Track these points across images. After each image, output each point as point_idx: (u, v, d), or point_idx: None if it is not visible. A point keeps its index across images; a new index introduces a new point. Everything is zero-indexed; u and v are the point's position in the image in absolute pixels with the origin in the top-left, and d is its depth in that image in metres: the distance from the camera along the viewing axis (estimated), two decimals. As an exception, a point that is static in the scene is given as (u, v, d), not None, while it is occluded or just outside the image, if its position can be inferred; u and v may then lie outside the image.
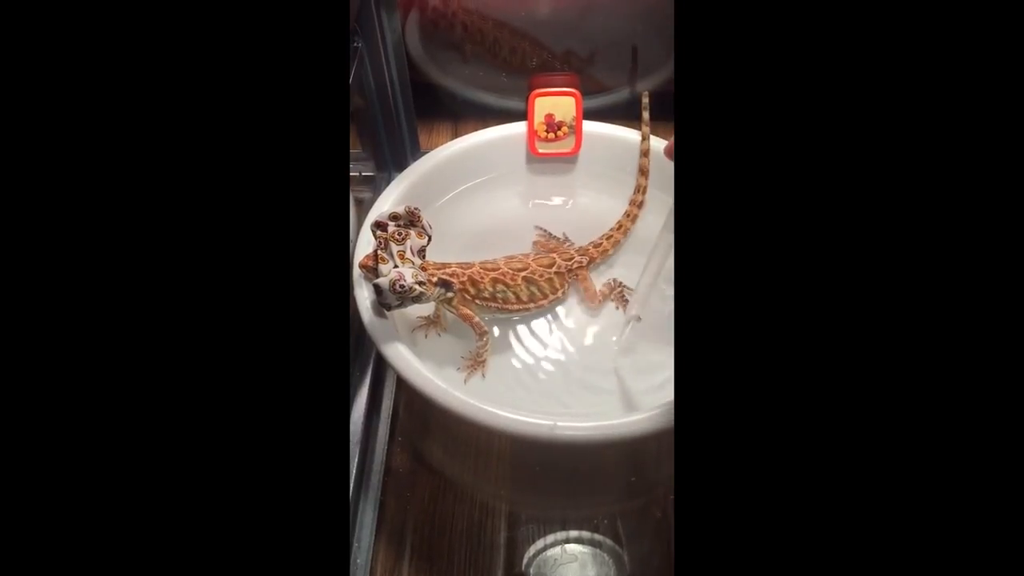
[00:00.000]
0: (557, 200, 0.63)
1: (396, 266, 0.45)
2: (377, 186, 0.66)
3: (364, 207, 0.65)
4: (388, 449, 0.48)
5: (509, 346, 0.51)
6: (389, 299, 0.43)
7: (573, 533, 0.44)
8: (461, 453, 0.48)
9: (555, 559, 0.43)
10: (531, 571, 0.43)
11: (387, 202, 0.56)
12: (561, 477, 0.44)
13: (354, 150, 0.66)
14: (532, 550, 0.44)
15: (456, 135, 0.74)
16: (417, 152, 0.68)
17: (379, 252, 0.46)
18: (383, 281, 0.43)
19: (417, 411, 0.50)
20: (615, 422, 0.40)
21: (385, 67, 0.59)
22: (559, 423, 0.40)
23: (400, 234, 0.46)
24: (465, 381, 0.48)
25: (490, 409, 0.41)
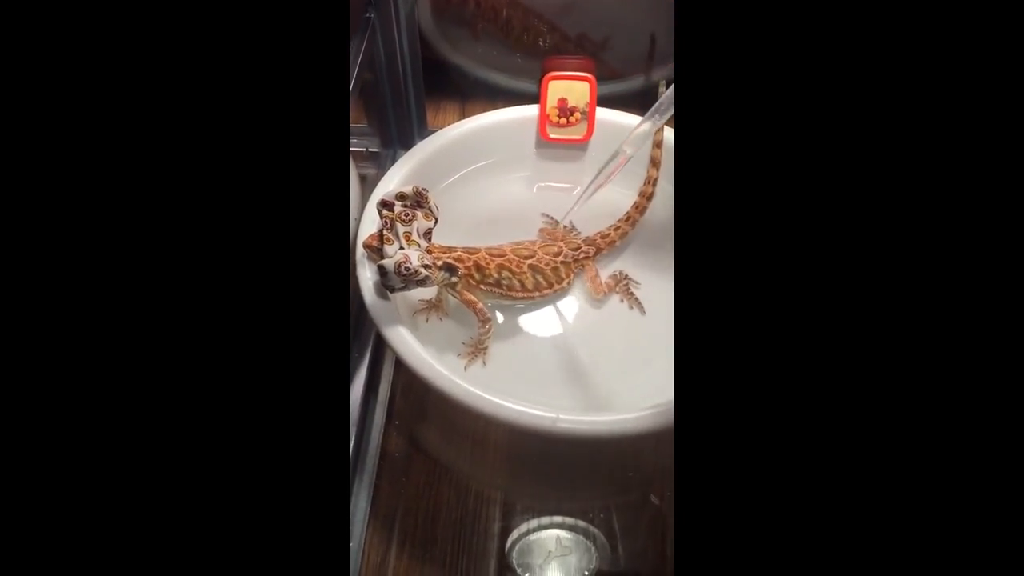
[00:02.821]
0: (565, 187, 0.62)
1: (402, 247, 0.44)
2: (382, 163, 0.65)
3: (368, 183, 0.63)
4: (384, 432, 0.47)
5: (511, 334, 0.50)
6: (393, 281, 0.42)
7: (557, 519, 0.44)
8: (458, 439, 0.47)
9: (549, 551, 0.43)
10: (514, 557, 0.43)
11: (393, 180, 0.54)
12: (558, 468, 0.43)
13: (360, 124, 0.64)
14: (516, 534, 0.44)
15: (463, 114, 0.72)
16: (424, 130, 0.66)
17: (384, 232, 0.45)
18: (388, 263, 0.42)
19: (415, 395, 0.50)
20: (618, 417, 0.40)
21: (397, 40, 0.57)
22: (561, 416, 0.40)
23: (407, 215, 0.45)
24: (465, 368, 0.48)
25: (492, 399, 0.40)
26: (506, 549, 0.43)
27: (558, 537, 0.44)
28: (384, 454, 0.46)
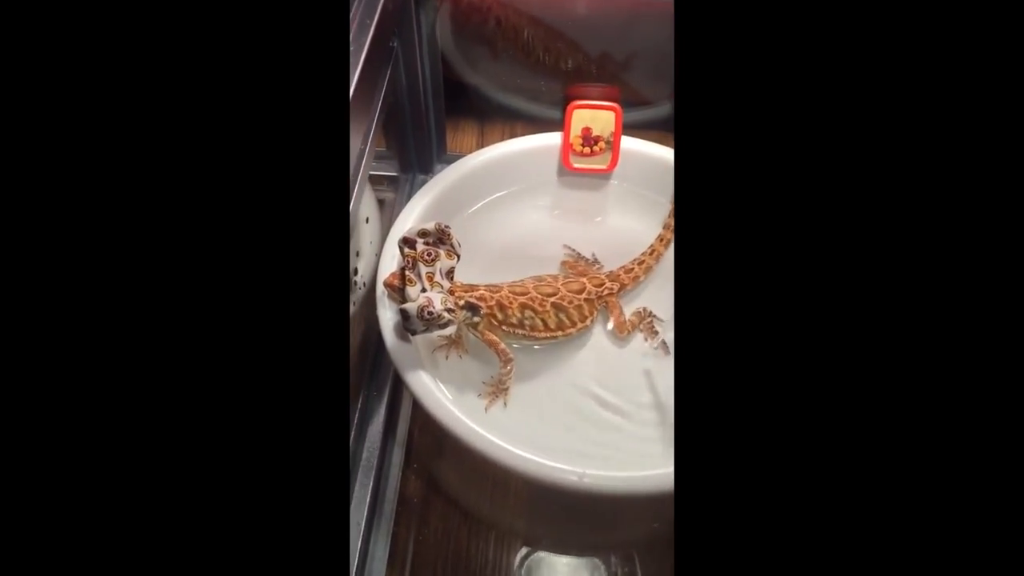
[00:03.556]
0: (588, 218, 0.60)
1: (424, 290, 0.43)
2: (401, 187, 0.63)
3: (387, 208, 0.62)
4: (403, 476, 0.46)
5: (533, 374, 0.49)
6: (415, 325, 0.41)
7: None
8: (477, 482, 0.46)
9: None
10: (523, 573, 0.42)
11: (415, 211, 0.53)
12: (581, 514, 0.42)
13: (380, 148, 0.63)
14: (525, 550, 0.43)
15: (482, 137, 0.71)
16: (443, 153, 0.65)
17: (407, 272, 0.44)
18: (411, 307, 0.41)
19: (433, 436, 0.49)
20: (646, 474, 0.39)
21: (419, 66, 0.56)
22: (588, 472, 0.38)
23: (429, 254, 0.44)
24: (486, 409, 0.46)
25: (515, 451, 0.39)
26: (514, 566, 0.42)
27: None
28: (403, 498, 0.45)
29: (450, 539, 0.44)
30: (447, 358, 0.49)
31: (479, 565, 0.43)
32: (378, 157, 0.63)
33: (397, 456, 0.47)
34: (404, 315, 0.41)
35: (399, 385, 0.49)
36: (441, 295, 0.42)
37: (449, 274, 0.45)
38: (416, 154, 0.63)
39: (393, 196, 0.63)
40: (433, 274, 0.44)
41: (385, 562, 0.42)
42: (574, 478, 0.38)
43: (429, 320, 0.41)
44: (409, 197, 0.57)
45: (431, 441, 0.46)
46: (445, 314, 0.41)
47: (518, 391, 0.47)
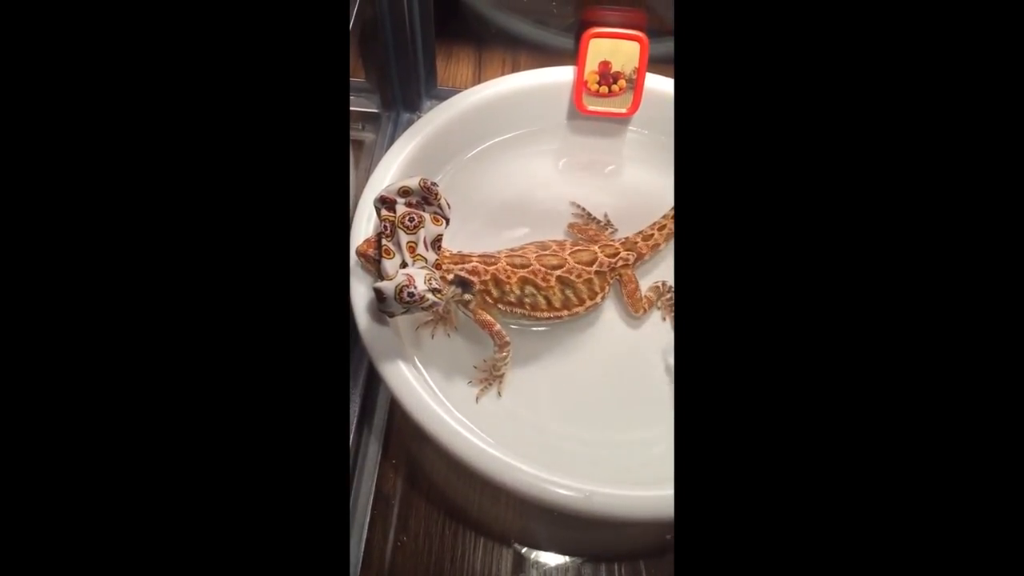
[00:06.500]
0: (601, 172, 0.52)
1: (404, 264, 0.36)
2: (382, 127, 0.54)
3: (364, 152, 0.53)
4: (379, 471, 0.41)
5: (532, 359, 0.42)
6: (393, 307, 0.34)
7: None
8: (465, 478, 0.41)
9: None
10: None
11: (399, 156, 0.45)
12: (584, 520, 0.37)
13: (357, 79, 0.53)
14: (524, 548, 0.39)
15: (479, 68, 0.61)
16: (433, 88, 0.56)
17: (384, 242, 0.36)
18: (387, 286, 0.33)
19: (415, 425, 0.43)
20: (661, 493, 0.33)
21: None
22: (596, 490, 0.33)
23: (411, 219, 0.36)
24: (477, 399, 0.40)
25: (511, 462, 0.33)
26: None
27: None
28: (378, 497, 0.40)
29: (432, 545, 0.39)
30: (433, 336, 0.42)
31: (467, 574, 0.38)
32: (354, 89, 0.53)
33: (373, 448, 0.41)
34: (379, 295, 0.34)
35: (375, 367, 0.43)
36: (425, 271, 0.35)
37: (435, 243, 0.37)
38: (400, 87, 0.53)
39: (373, 138, 0.54)
40: (416, 244, 0.36)
41: (359, 570, 0.37)
42: (580, 496, 0.32)
43: (410, 302, 0.34)
44: (392, 140, 0.48)
45: (413, 431, 0.40)
46: (429, 295, 0.34)
47: (515, 378, 0.41)
